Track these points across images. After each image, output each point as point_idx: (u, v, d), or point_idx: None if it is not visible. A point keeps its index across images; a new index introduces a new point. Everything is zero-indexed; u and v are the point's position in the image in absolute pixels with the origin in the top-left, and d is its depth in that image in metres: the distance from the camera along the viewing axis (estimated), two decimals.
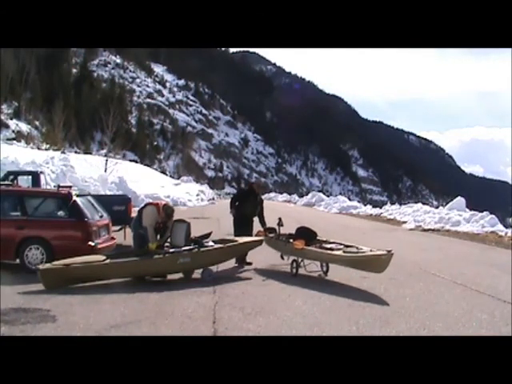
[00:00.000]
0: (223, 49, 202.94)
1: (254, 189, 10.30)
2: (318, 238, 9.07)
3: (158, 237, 8.51)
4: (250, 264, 9.46)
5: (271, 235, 9.66)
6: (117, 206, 11.72)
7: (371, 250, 7.90)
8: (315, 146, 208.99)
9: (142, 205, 9.41)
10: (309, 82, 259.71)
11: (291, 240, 8.92)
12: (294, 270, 8.66)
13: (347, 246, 8.46)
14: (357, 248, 8.19)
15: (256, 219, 10.12)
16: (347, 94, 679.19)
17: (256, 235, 9.67)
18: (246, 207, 9.96)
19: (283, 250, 9.22)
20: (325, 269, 8.62)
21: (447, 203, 23.17)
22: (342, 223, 21.61)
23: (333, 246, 8.58)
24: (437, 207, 24.89)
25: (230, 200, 10.50)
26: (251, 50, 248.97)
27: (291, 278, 8.43)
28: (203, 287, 7.55)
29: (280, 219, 9.46)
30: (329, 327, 5.57)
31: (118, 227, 11.45)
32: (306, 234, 8.98)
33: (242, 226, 9.85)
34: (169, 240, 8.47)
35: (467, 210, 20.93)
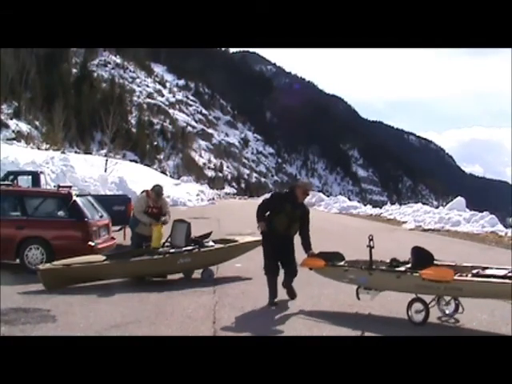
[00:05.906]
0: (223, 49, 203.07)
1: (296, 194, 6.66)
2: (435, 261, 6.14)
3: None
4: (294, 296, 6.88)
5: (342, 264, 6.45)
6: (117, 206, 11.74)
7: None
8: (315, 146, 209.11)
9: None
10: (309, 82, 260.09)
11: (406, 269, 5.96)
12: (423, 315, 5.73)
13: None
14: None
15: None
16: (347, 93, 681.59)
17: (303, 264, 6.68)
18: (278, 220, 6.54)
19: (390, 285, 6.00)
20: (453, 309, 6.06)
21: (447, 203, 23.20)
22: (342, 223, 21.62)
23: (497, 272, 5.59)
24: (437, 207, 24.92)
25: (256, 209, 6.78)
26: (251, 50, 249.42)
27: None
28: (203, 287, 7.56)
29: (371, 238, 6.07)
30: (329, 327, 5.58)
31: (118, 227, 11.44)
32: (423, 259, 6.03)
33: (275, 249, 6.56)
34: (169, 240, 8.48)
35: (467, 210, 20.94)
